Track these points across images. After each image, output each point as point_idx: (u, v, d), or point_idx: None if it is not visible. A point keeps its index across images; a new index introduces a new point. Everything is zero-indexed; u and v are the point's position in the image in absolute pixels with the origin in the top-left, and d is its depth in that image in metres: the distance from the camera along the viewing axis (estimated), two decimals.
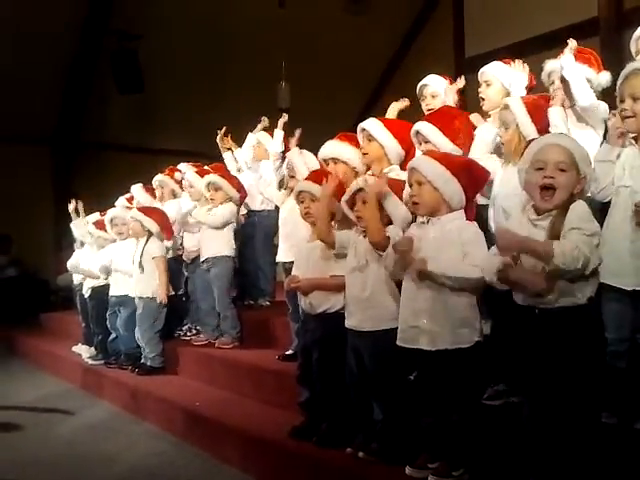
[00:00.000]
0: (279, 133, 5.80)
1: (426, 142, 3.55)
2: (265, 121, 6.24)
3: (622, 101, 2.82)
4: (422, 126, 3.59)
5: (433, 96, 4.22)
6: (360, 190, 3.20)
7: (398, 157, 3.85)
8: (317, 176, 3.72)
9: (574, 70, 3.36)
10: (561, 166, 2.47)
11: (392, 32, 11.87)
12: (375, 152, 3.86)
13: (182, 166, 6.44)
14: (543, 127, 3.20)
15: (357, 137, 4.07)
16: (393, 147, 3.82)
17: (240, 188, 5.63)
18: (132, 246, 5.77)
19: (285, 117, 5.94)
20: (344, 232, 3.39)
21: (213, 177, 5.57)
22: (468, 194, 2.89)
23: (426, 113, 4.11)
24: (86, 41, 9.99)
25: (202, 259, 5.58)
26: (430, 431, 2.88)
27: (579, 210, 2.47)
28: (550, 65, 3.59)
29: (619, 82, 2.88)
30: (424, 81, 4.29)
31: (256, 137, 6.15)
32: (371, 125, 3.87)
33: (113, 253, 5.99)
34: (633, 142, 2.83)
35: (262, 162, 6.01)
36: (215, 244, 5.51)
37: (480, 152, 3.50)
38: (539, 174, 2.49)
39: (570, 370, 2.41)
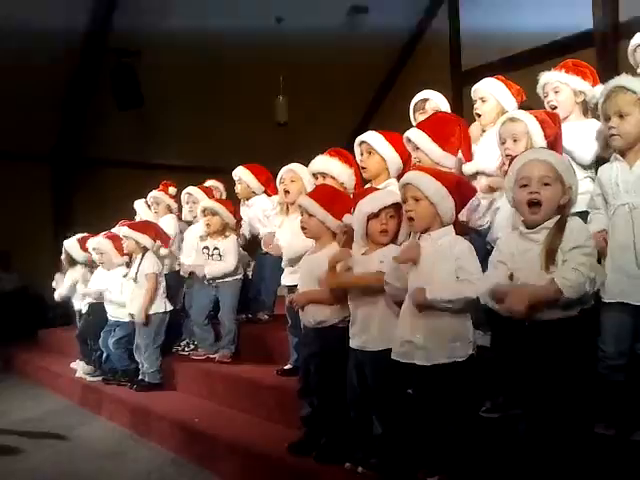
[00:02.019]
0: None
1: (417, 149, 3.56)
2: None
3: (607, 119, 2.83)
4: (411, 133, 3.61)
5: (435, 110, 4.22)
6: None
7: (397, 170, 3.88)
8: (318, 193, 3.71)
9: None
10: (545, 180, 2.50)
11: (389, 46, 11.92)
12: (376, 166, 3.87)
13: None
14: (551, 136, 3.23)
15: (346, 152, 4.09)
16: (394, 160, 3.85)
17: (235, 212, 5.58)
18: (119, 275, 5.77)
19: None
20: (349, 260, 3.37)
21: (209, 203, 5.51)
22: (456, 209, 2.90)
23: None
24: (85, 58, 10.03)
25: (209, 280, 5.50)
26: (428, 445, 2.86)
27: (578, 228, 2.50)
28: (545, 77, 3.62)
29: (601, 101, 2.91)
30: (425, 95, 4.29)
31: (237, 174, 5.88)
32: (372, 138, 3.89)
33: (106, 282, 5.95)
34: (620, 157, 2.84)
35: (251, 199, 5.88)
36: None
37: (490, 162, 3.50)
38: (525, 191, 2.52)
39: (560, 381, 2.41)
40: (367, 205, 3.15)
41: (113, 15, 9.56)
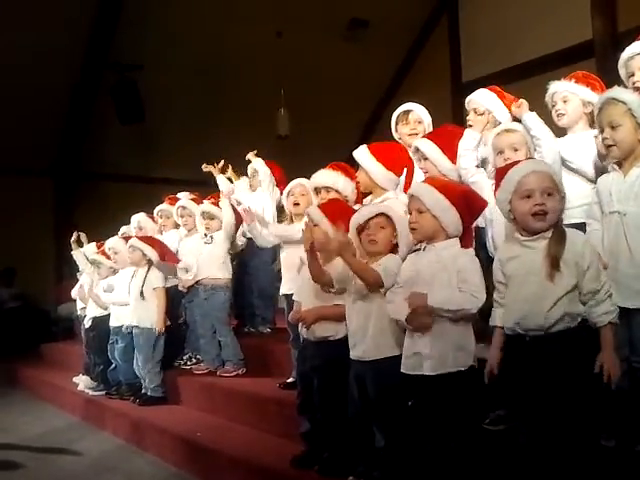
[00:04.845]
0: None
1: (425, 159, 3.55)
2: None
3: (602, 131, 2.88)
4: (421, 143, 3.61)
5: (419, 122, 4.22)
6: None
7: (389, 182, 3.82)
8: (327, 206, 3.72)
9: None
10: (548, 191, 2.55)
11: (390, 59, 11.98)
12: (364, 180, 3.88)
13: (181, 195, 6.45)
14: None
15: (347, 166, 4.10)
16: (379, 173, 3.79)
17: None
18: (127, 276, 5.78)
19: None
20: (341, 269, 3.36)
21: (207, 206, 5.60)
22: (465, 222, 2.90)
23: (407, 137, 4.15)
24: (87, 72, 10.09)
25: (199, 284, 5.58)
26: (431, 458, 2.85)
27: (582, 241, 2.54)
28: (554, 86, 3.63)
29: (596, 112, 2.97)
30: (407, 107, 4.29)
31: (252, 166, 6.14)
32: (357, 153, 3.89)
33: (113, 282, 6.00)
34: (617, 167, 2.89)
35: (258, 192, 6.02)
36: (213, 268, 5.52)
37: (469, 163, 3.49)
38: (529, 202, 2.54)
39: (567, 393, 2.40)
40: (355, 219, 3.21)
41: (115, 30, 9.62)
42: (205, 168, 6.23)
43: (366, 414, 3.18)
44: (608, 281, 2.49)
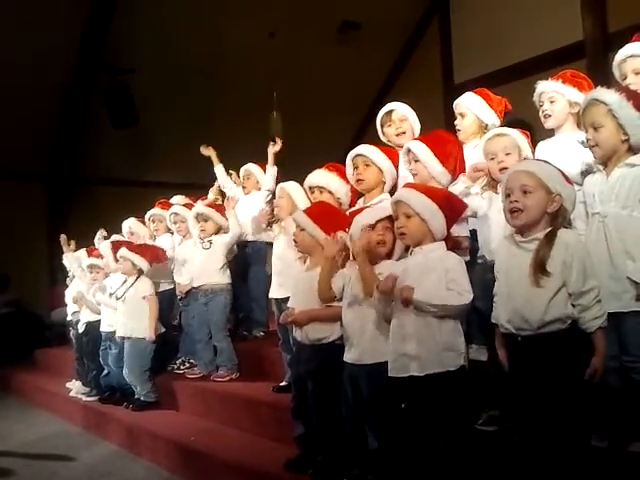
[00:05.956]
0: (272, 169, 5.75)
1: (416, 161, 3.55)
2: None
3: (586, 131, 2.89)
4: (413, 145, 3.59)
5: (402, 120, 4.20)
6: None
7: (392, 181, 3.88)
8: (312, 209, 3.73)
9: None
10: (524, 189, 2.56)
11: (382, 61, 11.99)
12: (374, 177, 3.88)
13: (176, 199, 6.44)
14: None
15: (343, 168, 4.08)
16: (390, 170, 3.87)
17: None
18: (119, 281, 5.75)
19: (276, 146, 5.77)
20: (339, 275, 3.36)
21: (201, 208, 5.57)
22: (448, 224, 2.94)
23: (395, 138, 4.14)
24: (79, 76, 10.05)
25: (198, 289, 5.55)
26: (423, 460, 2.85)
27: (573, 241, 2.53)
28: (541, 87, 3.64)
29: (581, 113, 2.98)
30: (389, 107, 4.27)
31: (247, 168, 6.13)
32: (368, 150, 3.90)
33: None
34: (601, 168, 2.89)
35: (252, 194, 6.01)
36: (212, 273, 5.49)
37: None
38: (507, 200, 2.58)
39: (558, 394, 2.41)
40: (364, 218, 3.19)
41: (108, 31, 9.58)
42: (204, 151, 6.22)
43: (359, 415, 3.18)
44: (598, 288, 2.48)
